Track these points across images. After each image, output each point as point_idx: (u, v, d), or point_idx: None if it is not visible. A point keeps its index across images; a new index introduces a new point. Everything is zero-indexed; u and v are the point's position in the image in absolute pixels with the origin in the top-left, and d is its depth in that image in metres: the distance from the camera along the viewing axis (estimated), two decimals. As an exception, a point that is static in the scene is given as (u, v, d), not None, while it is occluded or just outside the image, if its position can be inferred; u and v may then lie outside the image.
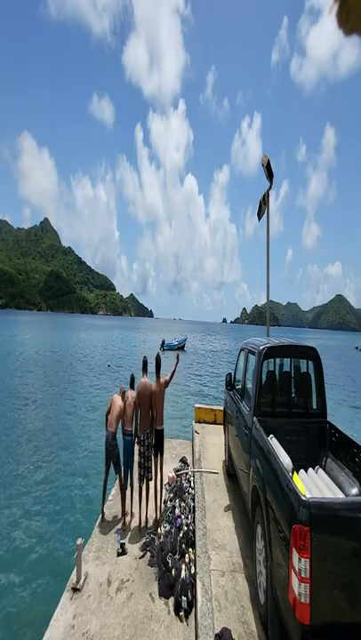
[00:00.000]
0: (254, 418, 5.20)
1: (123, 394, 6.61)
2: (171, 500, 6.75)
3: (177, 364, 6.54)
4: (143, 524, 6.32)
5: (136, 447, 6.48)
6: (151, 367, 6.67)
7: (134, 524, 6.37)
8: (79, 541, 4.95)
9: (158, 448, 6.40)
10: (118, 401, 6.46)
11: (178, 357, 6.71)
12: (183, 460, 8.44)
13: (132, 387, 6.69)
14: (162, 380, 6.42)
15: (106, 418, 6.40)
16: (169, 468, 7.98)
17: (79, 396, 20.74)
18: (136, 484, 6.49)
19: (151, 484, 6.53)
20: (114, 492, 7.31)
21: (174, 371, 6.52)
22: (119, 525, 6.28)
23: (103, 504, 6.53)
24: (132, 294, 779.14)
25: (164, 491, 6.95)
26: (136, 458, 6.52)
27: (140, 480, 6.39)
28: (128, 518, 6.47)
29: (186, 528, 5.79)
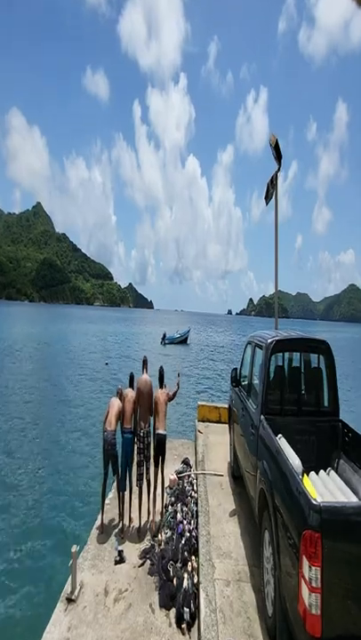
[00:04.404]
0: (261, 416, 5.19)
1: (120, 395, 6.64)
2: (172, 505, 6.76)
3: (178, 387, 6.85)
4: (143, 530, 6.33)
5: (135, 446, 6.52)
6: (153, 375, 6.78)
7: (133, 529, 6.39)
8: (74, 548, 4.96)
9: (160, 453, 6.43)
10: (116, 402, 6.49)
11: (178, 384, 6.96)
12: (185, 462, 8.46)
13: (131, 386, 6.75)
14: (166, 390, 6.62)
15: (104, 419, 6.42)
16: (170, 470, 7.98)
17: (74, 398, 20.78)
18: (135, 487, 6.48)
19: (151, 486, 6.52)
20: (111, 495, 7.33)
21: (177, 392, 6.75)
22: (117, 531, 6.30)
23: (102, 509, 6.55)
24: (130, 284, 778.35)
25: (165, 494, 6.96)
26: (135, 457, 6.52)
27: (139, 480, 6.42)
28: (126, 523, 6.49)
29: (188, 534, 5.80)
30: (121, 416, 6.40)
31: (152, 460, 6.50)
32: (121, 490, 6.44)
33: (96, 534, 6.23)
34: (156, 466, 6.51)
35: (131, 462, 6.45)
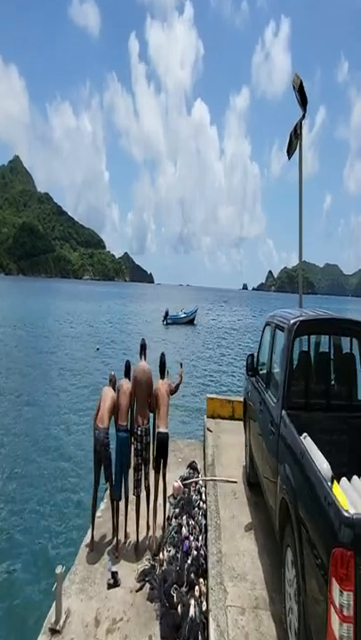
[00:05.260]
0: (283, 411, 5.16)
1: (113, 383, 6.63)
2: (176, 517, 6.78)
3: (182, 378, 6.97)
4: (141, 548, 6.37)
5: (132, 446, 6.54)
6: (153, 362, 6.77)
7: (129, 547, 6.43)
8: (59, 570, 4.99)
9: (161, 456, 6.44)
10: (110, 392, 6.49)
11: (181, 375, 7.04)
12: (192, 466, 8.47)
13: (127, 376, 6.74)
14: (168, 382, 6.65)
15: (95, 415, 6.42)
16: (174, 476, 8.00)
17: (60, 391, 20.88)
18: (132, 496, 6.49)
19: (151, 495, 6.54)
20: (104, 506, 7.36)
21: (179, 384, 6.87)
22: (110, 549, 6.34)
23: (92, 522, 6.58)
24: (126, 253, 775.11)
25: (167, 505, 6.98)
26: (132, 460, 6.54)
27: (137, 488, 6.46)
28: (122, 540, 6.53)
29: (195, 552, 5.81)
30: (115, 411, 6.40)
31: (152, 464, 6.51)
32: (115, 499, 6.46)
33: (85, 553, 6.27)
34: (157, 471, 6.53)
35: (127, 466, 6.47)
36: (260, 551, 5.80)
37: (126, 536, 6.59)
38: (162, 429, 6.35)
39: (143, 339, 7.07)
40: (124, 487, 6.49)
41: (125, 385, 6.51)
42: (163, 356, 6.92)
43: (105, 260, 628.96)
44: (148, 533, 6.61)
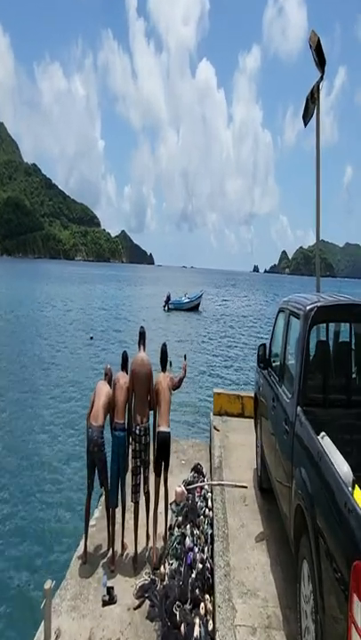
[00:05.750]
0: (298, 408, 5.13)
1: (109, 377, 6.63)
2: (179, 526, 6.79)
3: (185, 372, 6.89)
4: (140, 560, 6.37)
5: (130, 447, 6.53)
6: (153, 353, 6.75)
7: (127, 559, 6.44)
8: (48, 585, 4.98)
9: (162, 458, 6.42)
10: (105, 387, 6.49)
11: (185, 369, 6.97)
12: (197, 469, 8.47)
13: (124, 369, 6.72)
14: (170, 375, 6.60)
15: (88, 412, 6.42)
16: (177, 481, 8.00)
17: (49, 384, 20.94)
18: (130, 502, 6.48)
19: (151, 501, 6.53)
20: (98, 513, 7.37)
21: (183, 378, 6.79)
22: (105, 562, 6.34)
23: (85, 531, 6.58)
24: (123, 232, 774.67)
25: (169, 512, 6.98)
26: (130, 463, 6.55)
27: (135, 493, 6.45)
28: (118, 551, 6.53)
29: (201, 566, 5.82)
30: (111, 408, 6.40)
31: (152, 467, 6.50)
32: (111, 506, 6.46)
33: (78, 565, 6.28)
34: (158, 475, 6.51)
35: (124, 469, 6.47)
36: (273, 564, 5.78)
37: (123, 547, 6.60)
38: (163, 428, 6.33)
39: (142, 326, 7.03)
40: (120, 493, 6.49)
41: (122, 379, 6.48)
42: (164, 346, 6.87)
43: (99, 238, 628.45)
44: (147, 544, 6.62)
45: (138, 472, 6.41)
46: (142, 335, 6.81)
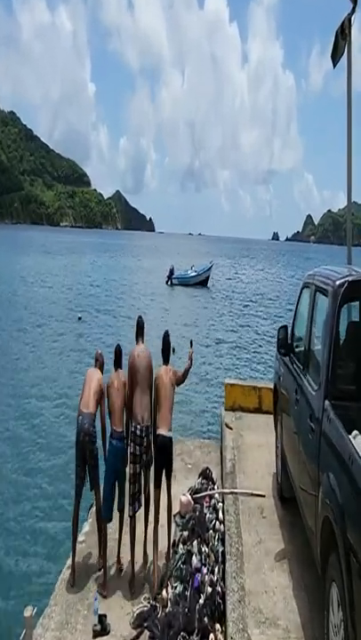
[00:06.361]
0: (326, 402, 5.11)
1: (100, 363, 6.74)
2: (184, 543, 6.78)
3: (191, 362, 6.89)
4: (137, 583, 6.38)
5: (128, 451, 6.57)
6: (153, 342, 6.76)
7: (122, 581, 6.44)
8: (28, 612, 5.01)
9: (164, 465, 6.46)
10: (96, 374, 6.59)
11: (191, 358, 6.98)
12: (206, 475, 8.49)
13: (117, 366, 6.76)
14: (173, 368, 6.66)
15: (80, 399, 6.50)
16: (182, 489, 8.02)
17: (31, 370, 20.98)
18: (126, 514, 6.52)
19: (151, 513, 6.57)
20: (88, 527, 7.36)
21: (189, 370, 6.80)
22: (97, 584, 6.34)
23: (73, 548, 6.60)
24: (118, 192, 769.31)
25: (173, 526, 7.00)
26: (128, 470, 6.58)
27: (133, 504, 6.46)
28: (112, 571, 6.54)
29: (210, 589, 5.81)
30: (102, 402, 6.49)
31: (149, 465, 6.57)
32: (104, 519, 6.49)
33: (64, 589, 6.27)
34: (158, 486, 6.52)
35: (122, 479, 6.50)
36: (296, 587, 5.75)
37: (118, 565, 6.62)
38: (163, 431, 6.35)
39: (140, 317, 7.00)
40: (118, 503, 6.53)
41: (117, 380, 6.53)
42: (167, 335, 6.86)
43: (90, 200, 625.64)
44: (146, 563, 6.66)
45: (137, 479, 6.43)
46: (140, 327, 6.82)
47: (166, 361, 6.72)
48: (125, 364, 6.64)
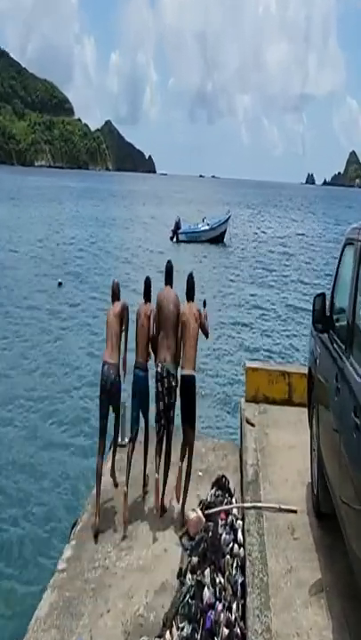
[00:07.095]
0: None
1: (117, 296, 8.03)
2: (194, 572, 6.75)
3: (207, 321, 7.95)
4: (134, 622, 6.32)
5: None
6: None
7: (115, 616, 6.39)
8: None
9: (187, 407, 7.47)
10: (114, 309, 7.88)
11: (206, 317, 7.94)
12: (220, 485, 8.46)
13: (147, 297, 8.10)
14: (197, 307, 7.83)
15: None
16: (191, 502, 7.99)
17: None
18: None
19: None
20: (69, 552, 7.30)
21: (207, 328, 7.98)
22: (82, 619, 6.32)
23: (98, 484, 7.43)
24: (108, 123, 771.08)
25: (179, 550, 7.01)
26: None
27: (160, 431, 7.58)
28: (104, 611, 6.49)
29: (226, 631, 5.79)
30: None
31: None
32: (132, 437, 7.88)
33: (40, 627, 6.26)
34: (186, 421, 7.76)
35: (146, 406, 7.89)
36: (338, 628, 5.66)
37: (125, 523, 7.31)
38: (187, 371, 7.30)
39: (170, 261, 8.19)
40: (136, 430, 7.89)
41: (144, 314, 7.56)
42: (191, 276, 8.22)
43: (73, 133, 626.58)
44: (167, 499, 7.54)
45: (161, 419, 7.71)
46: (169, 272, 8.04)
47: (190, 297, 7.93)
48: (154, 299, 7.92)
